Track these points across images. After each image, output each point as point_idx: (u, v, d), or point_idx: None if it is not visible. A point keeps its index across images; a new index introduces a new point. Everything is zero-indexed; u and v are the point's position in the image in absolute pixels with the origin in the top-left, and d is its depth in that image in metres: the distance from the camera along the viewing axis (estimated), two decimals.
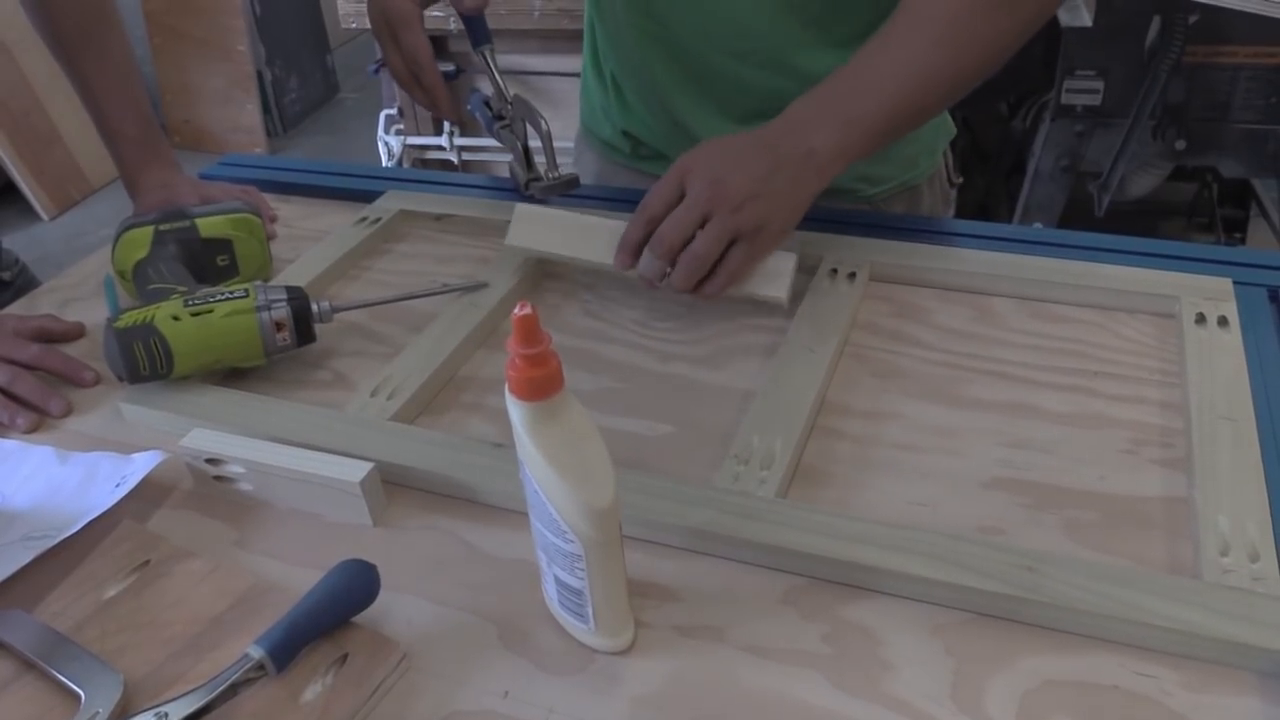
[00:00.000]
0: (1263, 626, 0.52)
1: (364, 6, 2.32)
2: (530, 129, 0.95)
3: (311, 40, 4.16)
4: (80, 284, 0.95)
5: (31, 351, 0.79)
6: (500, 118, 0.97)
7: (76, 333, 0.86)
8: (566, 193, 0.95)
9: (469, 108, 1.05)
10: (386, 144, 2.60)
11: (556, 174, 0.94)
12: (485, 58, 0.95)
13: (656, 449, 0.70)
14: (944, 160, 1.07)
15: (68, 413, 0.77)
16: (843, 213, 0.97)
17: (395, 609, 0.58)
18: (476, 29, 0.95)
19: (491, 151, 2.49)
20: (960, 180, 1.15)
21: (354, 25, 2.39)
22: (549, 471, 0.49)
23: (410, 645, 0.56)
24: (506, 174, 1.03)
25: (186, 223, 0.86)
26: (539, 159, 0.96)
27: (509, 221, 0.91)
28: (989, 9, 0.76)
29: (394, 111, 2.57)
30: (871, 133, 0.77)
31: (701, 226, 0.74)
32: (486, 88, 0.99)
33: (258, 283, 0.78)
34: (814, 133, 0.75)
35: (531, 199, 0.97)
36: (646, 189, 0.78)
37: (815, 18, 0.89)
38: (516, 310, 0.47)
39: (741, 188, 0.73)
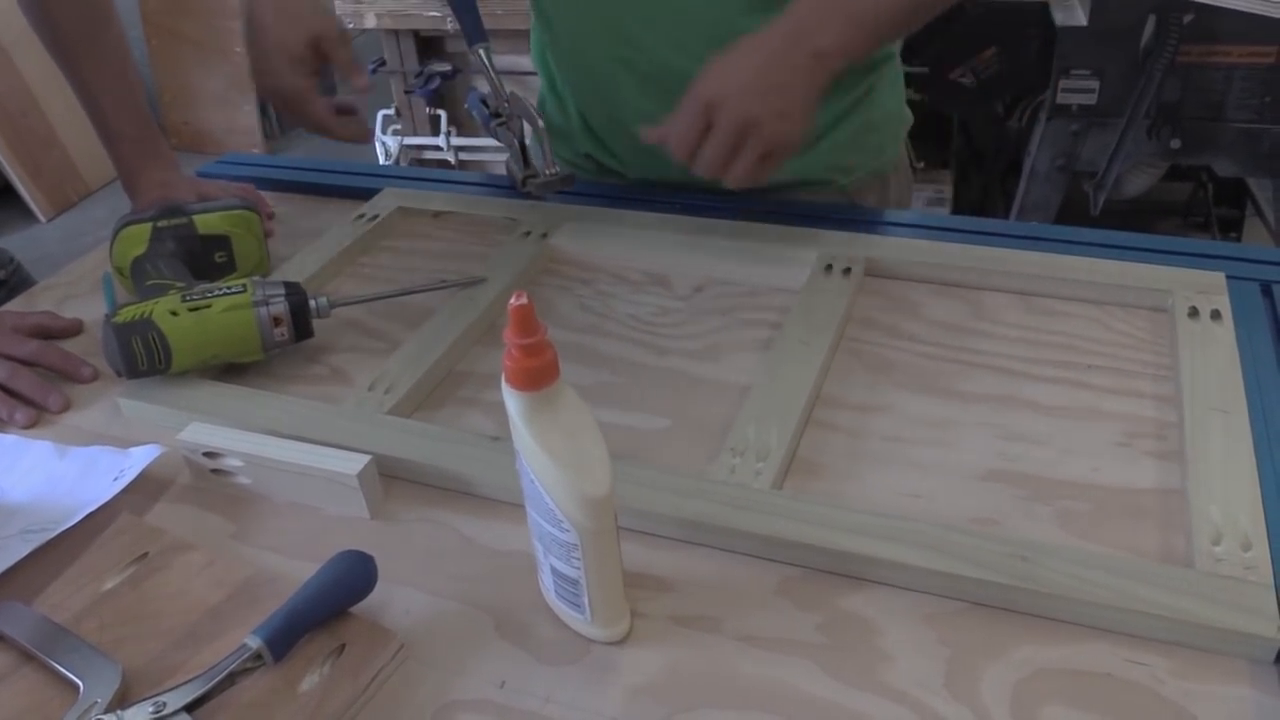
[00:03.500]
0: (1254, 614, 0.53)
1: (362, 7, 2.33)
2: (527, 126, 0.95)
3: None
4: (78, 281, 0.95)
5: (30, 348, 0.80)
6: (497, 115, 0.96)
7: (74, 329, 0.86)
8: (563, 189, 0.96)
9: (466, 106, 1.05)
10: (384, 144, 2.60)
11: (554, 171, 0.94)
12: (481, 56, 0.95)
13: (653, 442, 0.70)
14: (905, 146, 1.10)
15: (66, 408, 0.77)
16: (838, 208, 0.97)
17: (393, 600, 0.58)
18: (472, 28, 0.95)
19: (488, 151, 2.50)
20: (921, 165, 1.19)
21: (351, 26, 2.39)
22: (545, 461, 0.50)
23: (407, 635, 0.56)
24: (503, 172, 1.03)
25: (184, 219, 0.86)
26: (537, 157, 0.96)
27: (506, 218, 0.91)
28: None
29: (391, 112, 2.57)
30: (873, 30, 0.79)
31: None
32: (483, 86, 1.00)
33: (255, 278, 0.78)
34: (820, 35, 0.77)
35: (528, 196, 0.97)
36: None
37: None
38: (512, 300, 0.47)
39: (764, 114, 0.75)
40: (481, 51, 0.95)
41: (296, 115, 0.90)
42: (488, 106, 0.98)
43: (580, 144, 1.07)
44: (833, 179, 1.01)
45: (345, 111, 0.91)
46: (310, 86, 0.88)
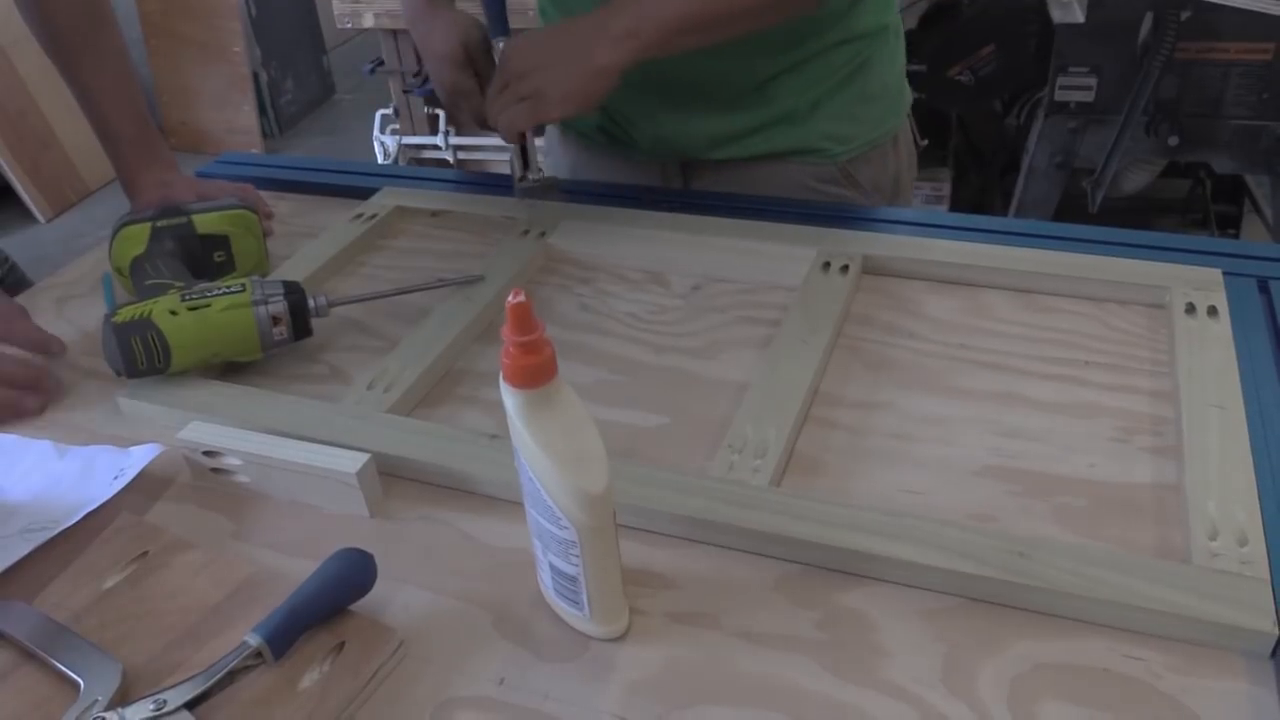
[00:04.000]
0: (1250, 609, 0.53)
1: (360, 7, 2.33)
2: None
3: (307, 41, 4.16)
4: (78, 281, 0.96)
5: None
6: None
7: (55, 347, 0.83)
8: (545, 197, 0.96)
9: None
10: (382, 144, 2.60)
11: (539, 175, 0.95)
12: (496, 50, 0.94)
13: (652, 439, 0.70)
14: (909, 122, 1.10)
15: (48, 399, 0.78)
16: (836, 206, 0.98)
17: (392, 597, 0.59)
18: (497, 20, 0.95)
19: (487, 150, 2.50)
20: (925, 142, 1.19)
21: (349, 26, 2.39)
22: (544, 458, 0.50)
23: (407, 633, 0.56)
24: (502, 171, 1.03)
25: (183, 219, 0.86)
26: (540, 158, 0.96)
27: (504, 217, 0.91)
28: None
29: (389, 111, 2.58)
30: (662, 26, 0.83)
31: None
32: None
33: (254, 278, 0.78)
34: (609, 16, 0.83)
35: (525, 195, 0.97)
36: (623, 178, 0.91)
37: None
38: (510, 298, 0.47)
39: (528, 61, 0.85)
40: (500, 45, 0.94)
41: (462, 109, 0.96)
42: None
43: (589, 117, 1.08)
44: (827, 148, 1.02)
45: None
46: (474, 87, 0.94)
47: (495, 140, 2.52)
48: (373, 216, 0.99)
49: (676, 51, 0.86)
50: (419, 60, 2.45)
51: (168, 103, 3.81)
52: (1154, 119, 2.07)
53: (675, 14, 0.83)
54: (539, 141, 1.01)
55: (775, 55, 0.96)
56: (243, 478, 0.68)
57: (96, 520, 0.64)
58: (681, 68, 0.94)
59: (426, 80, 2.41)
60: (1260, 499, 0.60)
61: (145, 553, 0.62)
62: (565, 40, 0.86)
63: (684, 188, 1.08)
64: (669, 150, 1.05)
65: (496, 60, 0.93)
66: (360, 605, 0.57)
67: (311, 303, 0.79)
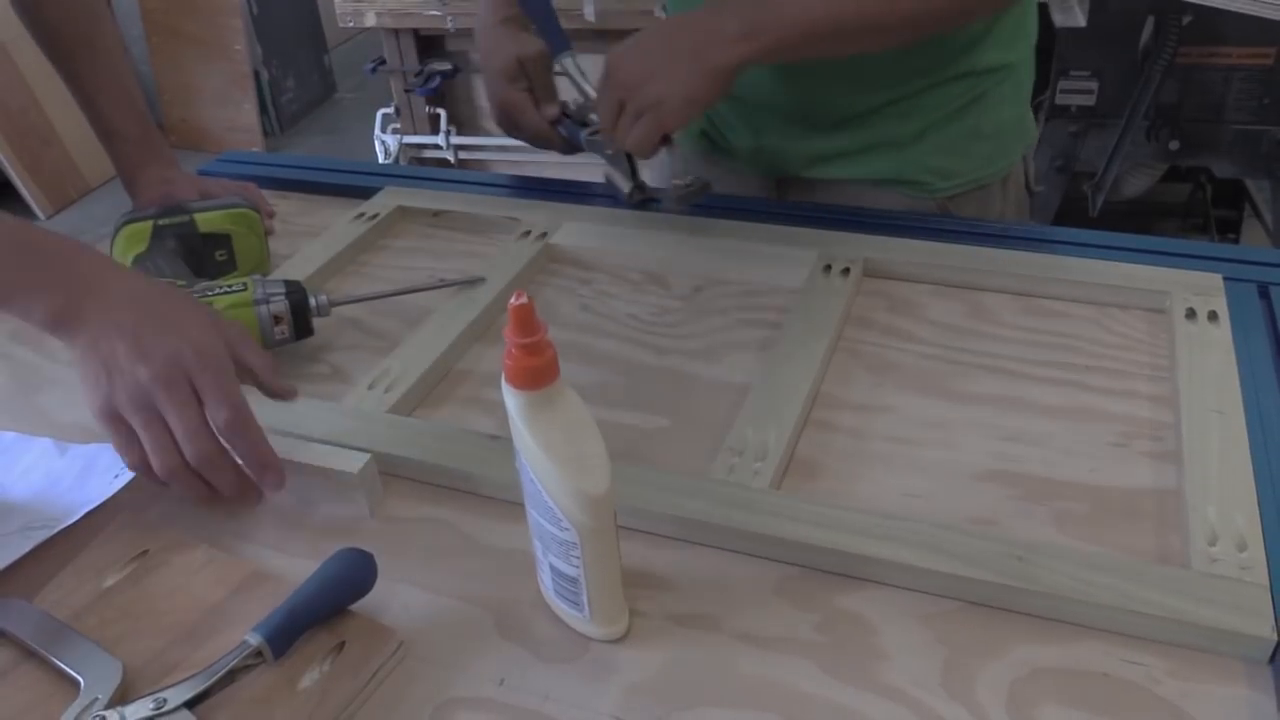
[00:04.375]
0: (1249, 614, 0.53)
1: (362, 6, 2.33)
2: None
3: (309, 40, 4.16)
4: None
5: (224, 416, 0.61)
6: (585, 125, 0.91)
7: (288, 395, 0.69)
8: (697, 200, 0.90)
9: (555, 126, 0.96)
10: (383, 143, 2.60)
11: (688, 180, 0.88)
12: (569, 66, 0.91)
13: (652, 441, 0.70)
14: (1023, 165, 1.05)
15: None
16: (837, 209, 0.97)
17: (392, 597, 0.59)
18: (554, 36, 0.91)
19: (488, 150, 2.50)
20: (1040, 189, 1.14)
21: (351, 24, 2.39)
22: (545, 459, 0.50)
23: (407, 633, 0.56)
24: (506, 171, 1.03)
25: (185, 218, 0.86)
26: (656, 168, 0.91)
27: (505, 217, 0.91)
28: None
29: (391, 111, 2.58)
30: (782, 30, 0.79)
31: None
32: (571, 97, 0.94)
33: (256, 277, 0.78)
34: (724, 15, 0.79)
35: (638, 206, 0.94)
36: (716, 186, 0.90)
37: None
38: (513, 300, 0.47)
39: (639, 70, 0.80)
40: (568, 60, 0.91)
41: (516, 123, 0.95)
42: (570, 117, 0.92)
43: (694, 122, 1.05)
44: (929, 181, 0.98)
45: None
46: (524, 100, 0.92)
47: (496, 140, 2.52)
48: (374, 216, 0.99)
49: (794, 59, 0.83)
50: (420, 59, 2.45)
51: (169, 100, 3.81)
52: (1155, 123, 2.07)
53: (796, 19, 0.79)
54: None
55: (887, 85, 0.93)
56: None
57: (97, 518, 0.64)
58: (787, 87, 0.93)
59: (428, 79, 2.41)
60: (1260, 504, 0.60)
61: (145, 551, 0.62)
62: (676, 42, 0.80)
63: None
64: (766, 163, 1.03)
65: (573, 76, 0.91)
66: (360, 605, 0.57)
67: (313, 302, 0.79)
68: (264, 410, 0.72)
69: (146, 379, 0.59)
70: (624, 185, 0.93)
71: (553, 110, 0.93)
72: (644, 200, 0.94)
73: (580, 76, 0.90)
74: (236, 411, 0.61)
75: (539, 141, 0.95)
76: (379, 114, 2.59)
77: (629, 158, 0.91)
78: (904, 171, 0.98)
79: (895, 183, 0.98)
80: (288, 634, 0.54)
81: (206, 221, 0.87)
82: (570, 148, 0.94)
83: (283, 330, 0.77)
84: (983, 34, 0.92)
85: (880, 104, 0.94)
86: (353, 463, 0.64)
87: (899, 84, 0.93)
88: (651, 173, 0.97)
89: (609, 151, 0.91)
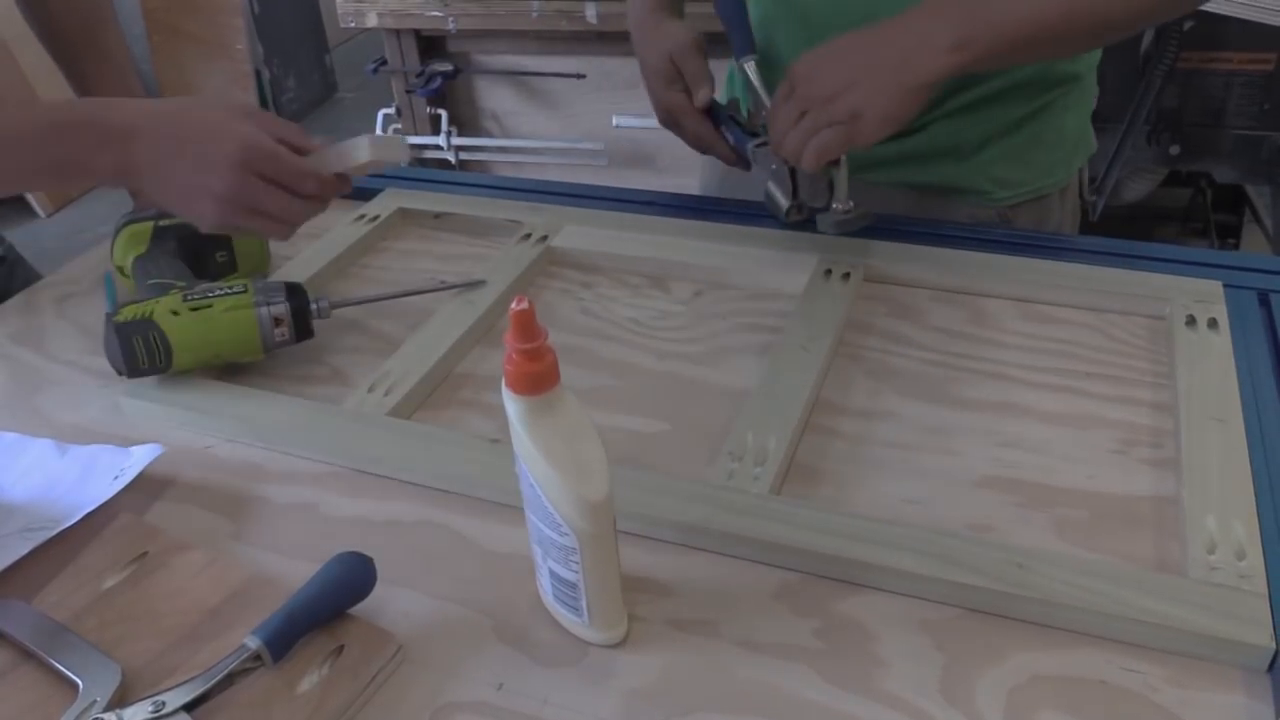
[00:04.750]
0: (1248, 623, 0.53)
1: (363, 6, 2.33)
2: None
3: (310, 39, 4.17)
4: (79, 279, 0.96)
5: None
6: (755, 135, 0.88)
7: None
8: (855, 229, 0.85)
9: (723, 131, 0.93)
10: None
11: (849, 207, 0.82)
12: (748, 71, 0.89)
13: (652, 446, 0.70)
14: (1079, 175, 1.02)
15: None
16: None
17: (391, 602, 0.59)
18: (741, 39, 0.89)
19: (489, 151, 2.50)
20: (1093, 200, 1.11)
21: (352, 24, 2.39)
22: (544, 465, 0.50)
23: (406, 637, 0.56)
24: (508, 173, 1.02)
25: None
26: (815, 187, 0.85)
27: (507, 220, 0.91)
28: None
29: (392, 111, 2.57)
30: (1004, 36, 0.74)
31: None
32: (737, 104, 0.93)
33: (257, 278, 0.78)
34: (932, 22, 0.73)
35: (793, 226, 0.90)
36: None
37: None
38: (514, 305, 0.47)
39: (834, 79, 0.74)
40: (749, 65, 0.89)
41: (678, 128, 0.93)
42: (740, 125, 0.89)
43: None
44: (989, 190, 0.95)
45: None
46: (683, 102, 0.90)
47: (497, 142, 2.52)
48: (375, 218, 0.99)
49: (1005, 66, 0.78)
50: (421, 60, 2.45)
51: None
52: (1155, 128, 2.07)
53: (1023, 19, 0.72)
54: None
55: (953, 91, 0.90)
56: None
57: (96, 520, 0.64)
58: None
59: (430, 80, 2.41)
60: (1259, 513, 0.60)
61: (145, 553, 0.62)
62: (879, 52, 0.74)
63: None
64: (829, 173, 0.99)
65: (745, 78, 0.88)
66: (359, 609, 0.57)
67: (313, 304, 0.79)
68: (264, 414, 0.72)
69: (224, 190, 0.70)
70: (783, 202, 0.86)
71: (704, 95, 0.89)
72: (799, 221, 0.88)
73: (759, 83, 0.88)
74: (311, 178, 0.73)
75: (700, 146, 0.92)
76: (380, 114, 2.59)
77: (794, 174, 0.85)
78: (964, 179, 0.95)
79: (954, 190, 0.96)
80: (287, 637, 0.54)
81: None
82: (736, 157, 0.90)
83: (283, 332, 0.77)
84: None
85: (946, 110, 0.91)
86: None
87: (966, 90, 0.90)
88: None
89: (773, 166, 0.86)
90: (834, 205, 0.82)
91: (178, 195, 0.72)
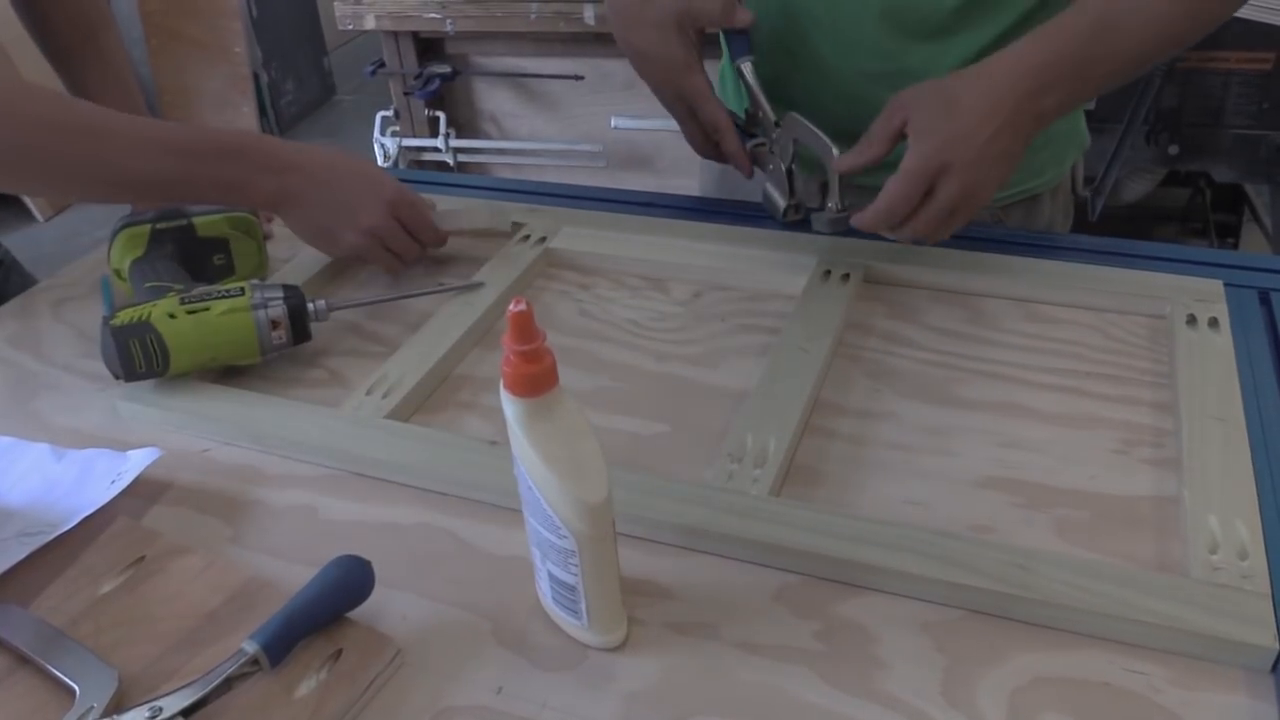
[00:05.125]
0: (1250, 623, 0.53)
1: (361, 9, 2.33)
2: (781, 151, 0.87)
3: (308, 42, 4.17)
4: (76, 283, 0.95)
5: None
6: (752, 135, 0.89)
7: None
8: (846, 229, 0.83)
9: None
10: (383, 146, 2.60)
11: (844, 206, 0.82)
12: (744, 71, 0.88)
13: (651, 447, 0.70)
14: (1073, 171, 1.03)
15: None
16: None
17: (389, 605, 0.58)
18: (736, 42, 0.89)
19: (487, 154, 2.50)
20: (1086, 195, 1.10)
21: (350, 27, 2.39)
22: (543, 467, 0.50)
23: (404, 641, 0.56)
24: (505, 175, 1.02)
25: (183, 221, 0.86)
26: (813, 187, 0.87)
27: (510, 221, 0.90)
28: None
29: (390, 113, 2.57)
30: (1097, 88, 0.77)
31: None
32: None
33: (254, 281, 0.78)
34: (1047, 95, 0.74)
35: (791, 227, 0.91)
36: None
37: (939, 30, 0.87)
38: (512, 307, 0.47)
39: (987, 183, 0.74)
40: (745, 66, 0.88)
41: (688, 116, 0.90)
42: (739, 127, 0.89)
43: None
44: None
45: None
46: (703, 86, 0.87)
47: (496, 143, 2.52)
48: None
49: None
50: (419, 62, 2.45)
51: (168, 103, 3.81)
52: (1154, 128, 2.07)
53: (1108, 76, 0.75)
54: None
55: None
56: None
57: (93, 524, 0.64)
58: (849, 106, 0.90)
59: (428, 82, 2.41)
60: (1260, 512, 0.59)
61: (142, 557, 0.62)
62: (1003, 139, 0.73)
63: None
64: (817, 165, 0.98)
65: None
66: (358, 613, 0.57)
67: (311, 307, 0.79)
68: (261, 417, 0.72)
69: (370, 225, 0.84)
70: (781, 202, 0.89)
71: (744, 15, 0.87)
72: (797, 221, 0.90)
73: (757, 87, 0.88)
74: (433, 230, 0.90)
75: (712, 139, 0.90)
76: (378, 116, 2.59)
77: (790, 175, 0.88)
78: None
79: None
80: (284, 641, 0.53)
81: (205, 225, 0.86)
82: (745, 155, 0.89)
83: (280, 335, 0.77)
84: None
85: None
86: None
87: None
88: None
89: (770, 167, 0.88)
90: (828, 205, 0.82)
91: (322, 224, 0.84)
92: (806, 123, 0.83)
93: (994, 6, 0.86)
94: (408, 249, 0.87)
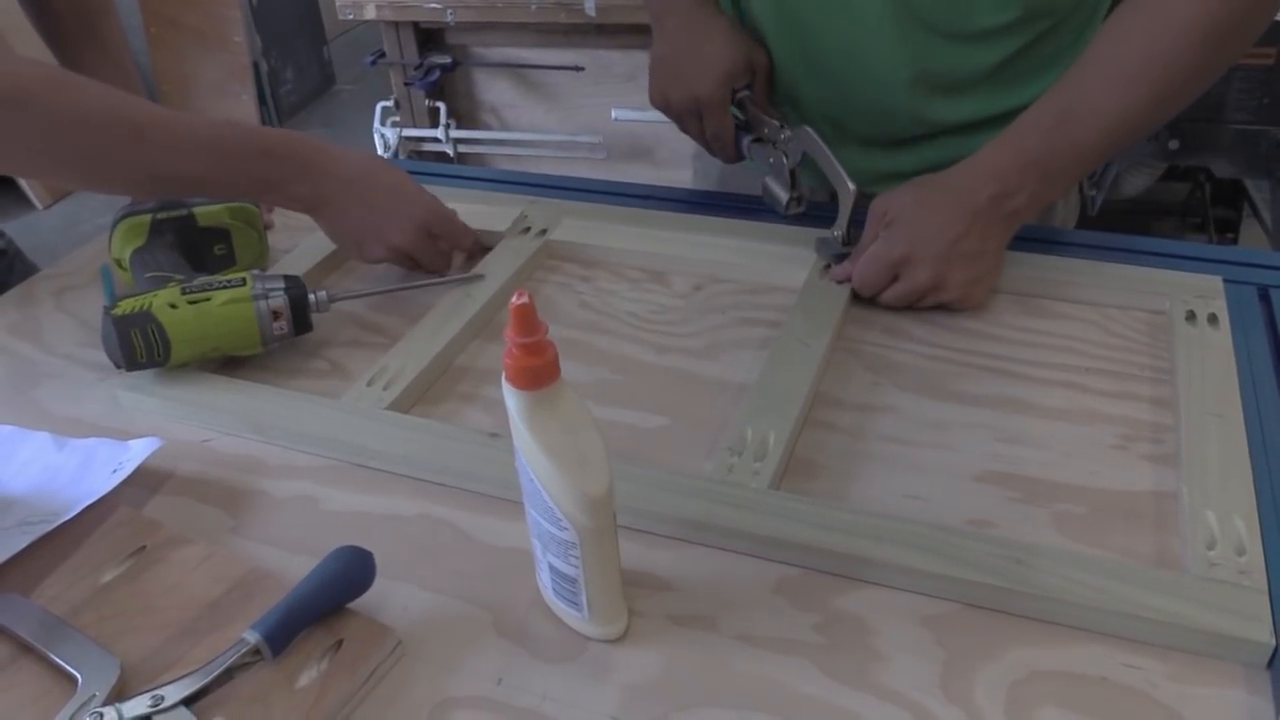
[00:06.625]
0: (1248, 619, 0.53)
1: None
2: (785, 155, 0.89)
3: (308, 31, 4.15)
4: (77, 272, 0.95)
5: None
6: (749, 131, 0.91)
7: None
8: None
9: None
10: (383, 136, 2.59)
11: (849, 237, 0.85)
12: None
13: (652, 440, 0.70)
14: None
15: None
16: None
17: (390, 596, 0.59)
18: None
19: (487, 144, 2.49)
20: (1093, 193, 1.12)
21: (350, 16, 2.38)
22: (544, 459, 0.50)
23: (405, 632, 0.56)
24: (506, 166, 1.02)
25: (184, 211, 0.86)
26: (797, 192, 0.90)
27: (506, 213, 0.90)
28: (1192, 45, 0.73)
29: (390, 103, 2.57)
30: (1070, 183, 0.81)
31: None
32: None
33: (255, 272, 0.78)
34: (1015, 196, 0.77)
35: (792, 220, 0.92)
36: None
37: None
38: (514, 299, 0.47)
39: (955, 280, 0.78)
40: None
41: (695, 120, 0.93)
42: (739, 125, 0.92)
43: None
44: None
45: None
46: (724, 98, 0.90)
47: (496, 134, 2.52)
48: None
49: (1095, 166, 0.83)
50: (420, 52, 2.45)
51: (167, 91, 3.80)
52: None
53: (1080, 165, 0.78)
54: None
55: (967, 117, 0.91)
56: None
57: (95, 514, 0.64)
58: (859, 120, 0.91)
59: (428, 73, 2.40)
60: (1258, 508, 0.60)
61: (143, 547, 0.62)
62: (972, 239, 0.78)
63: None
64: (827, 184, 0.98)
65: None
66: (359, 604, 0.57)
67: (312, 297, 0.79)
68: (262, 407, 0.72)
69: (401, 243, 0.84)
70: (782, 196, 0.91)
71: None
72: (798, 214, 0.91)
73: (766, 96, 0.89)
74: (470, 235, 0.91)
75: (717, 141, 0.93)
76: (378, 107, 2.58)
77: (791, 170, 0.89)
78: None
79: None
80: (286, 632, 0.54)
81: (206, 215, 0.86)
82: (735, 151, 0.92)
83: (281, 326, 0.77)
84: (1057, 57, 0.88)
85: (960, 126, 0.91)
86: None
87: (979, 111, 0.90)
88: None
89: (770, 160, 0.90)
90: (834, 233, 0.85)
91: (351, 233, 0.84)
92: (823, 145, 0.84)
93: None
94: (437, 263, 0.87)
